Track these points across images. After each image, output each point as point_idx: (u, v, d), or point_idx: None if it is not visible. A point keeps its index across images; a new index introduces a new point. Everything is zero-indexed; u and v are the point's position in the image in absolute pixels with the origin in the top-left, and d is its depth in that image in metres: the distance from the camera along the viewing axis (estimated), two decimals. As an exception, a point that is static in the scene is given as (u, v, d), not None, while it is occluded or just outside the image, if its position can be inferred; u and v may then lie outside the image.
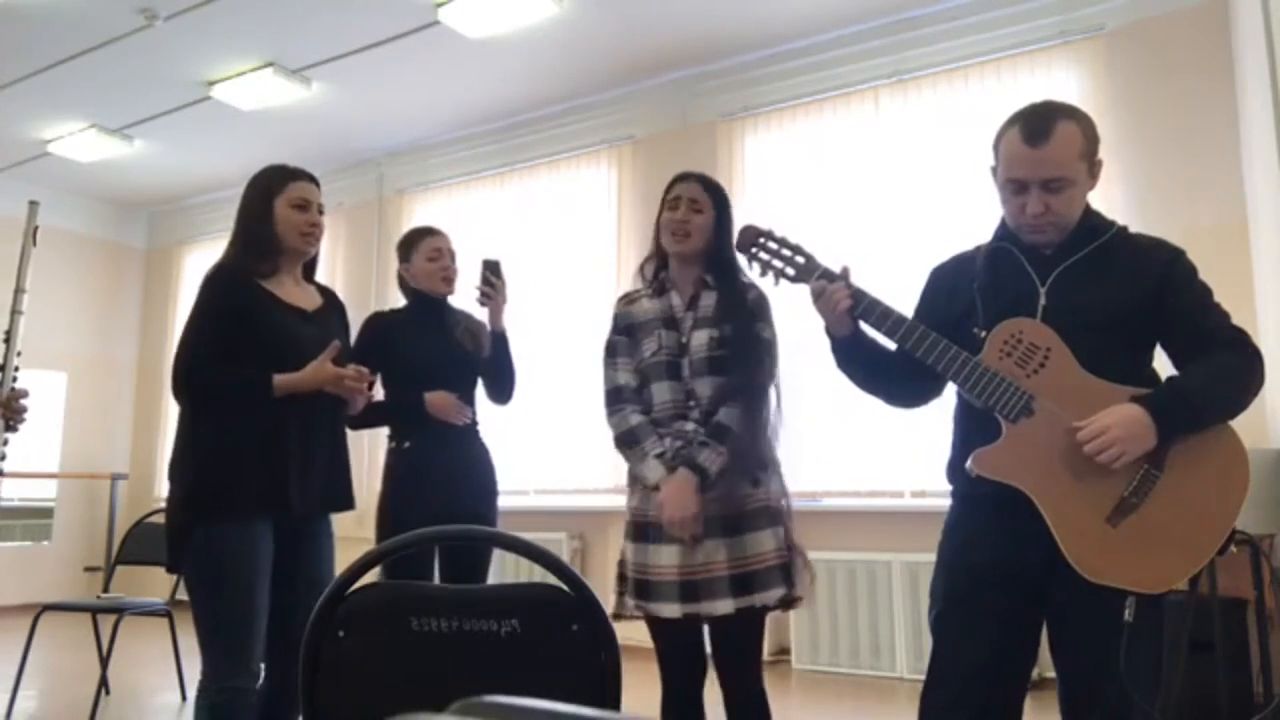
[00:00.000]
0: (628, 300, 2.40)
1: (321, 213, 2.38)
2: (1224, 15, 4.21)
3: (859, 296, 1.82)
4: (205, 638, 2.11)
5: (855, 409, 3.83)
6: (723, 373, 2.19)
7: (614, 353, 2.35)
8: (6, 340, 2.07)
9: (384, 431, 3.02)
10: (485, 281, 2.96)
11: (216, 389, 2.19)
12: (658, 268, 2.38)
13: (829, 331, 1.89)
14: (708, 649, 2.25)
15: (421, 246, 3.04)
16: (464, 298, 3.16)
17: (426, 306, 3.04)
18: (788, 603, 2.17)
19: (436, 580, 2.88)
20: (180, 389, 2.19)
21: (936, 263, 1.99)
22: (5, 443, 2.03)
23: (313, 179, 2.38)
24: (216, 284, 2.24)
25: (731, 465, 2.14)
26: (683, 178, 2.36)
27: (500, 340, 3.02)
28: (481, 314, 3.09)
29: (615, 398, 2.31)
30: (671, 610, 2.12)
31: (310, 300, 2.38)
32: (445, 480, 2.86)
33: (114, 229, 8.14)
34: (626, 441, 2.26)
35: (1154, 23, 4.39)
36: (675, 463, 2.16)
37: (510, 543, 1.22)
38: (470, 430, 3.00)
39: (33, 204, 2.23)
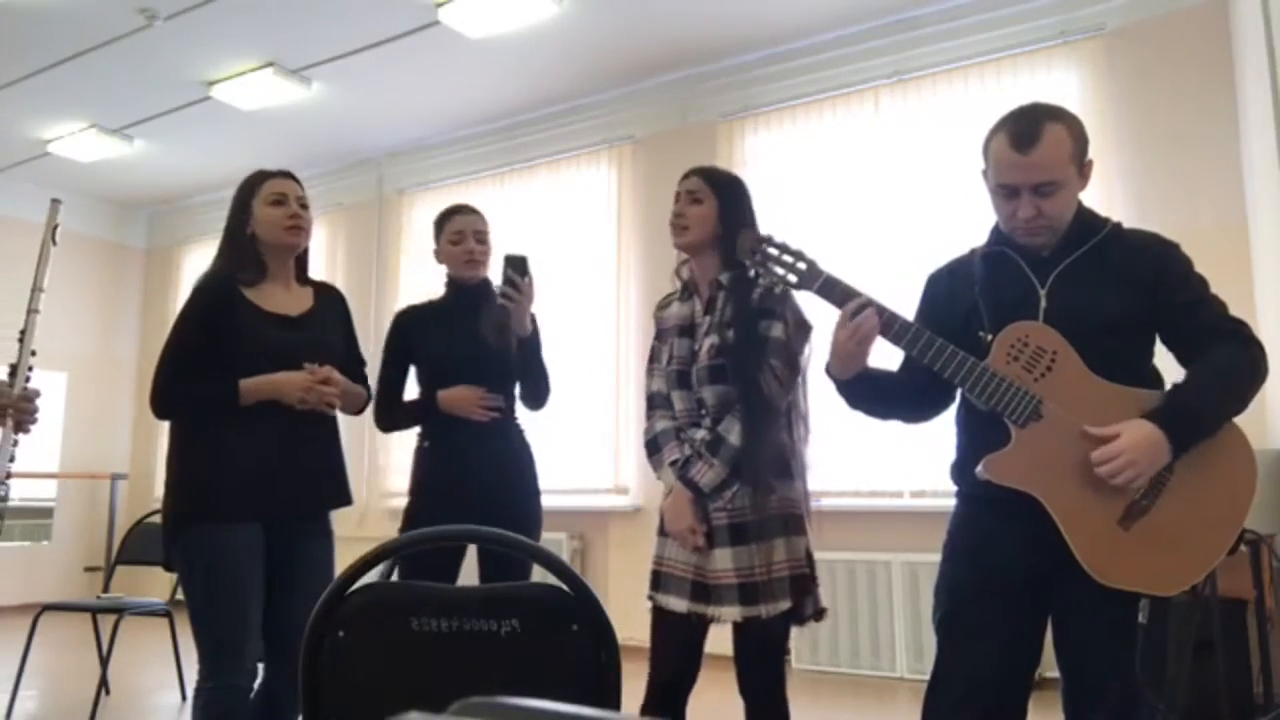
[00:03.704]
0: (660, 306, 2.40)
1: (305, 207, 2.33)
2: (1224, 15, 4.21)
3: (880, 310, 1.79)
4: (199, 638, 2.13)
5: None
6: (724, 380, 2.17)
7: (652, 359, 2.37)
8: (21, 340, 2.04)
9: (405, 432, 2.86)
10: (507, 280, 2.64)
11: (185, 405, 2.23)
12: (689, 269, 2.34)
13: (833, 375, 1.88)
14: (705, 653, 2.22)
15: (446, 228, 2.79)
16: None
17: (459, 294, 2.81)
18: (804, 616, 2.14)
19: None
20: (155, 409, 2.23)
21: (933, 266, 1.98)
22: (15, 444, 2.00)
23: (290, 175, 2.35)
24: (195, 299, 2.25)
25: (729, 476, 2.13)
26: (688, 174, 2.30)
27: (524, 345, 2.74)
28: None
29: (649, 404, 2.35)
30: (680, 605, 2.13)
31: (298, 304, 2.35)
32: (470, 480, 2.65)
33: (114, 229, 8.14)
34: (650, 449, 2.30)
35: (1154, 23, 4.39)
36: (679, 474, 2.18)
37: (509, 543, 1.22)
38: (502, 426, 2.76)
39: (55, 202, 2.18)
